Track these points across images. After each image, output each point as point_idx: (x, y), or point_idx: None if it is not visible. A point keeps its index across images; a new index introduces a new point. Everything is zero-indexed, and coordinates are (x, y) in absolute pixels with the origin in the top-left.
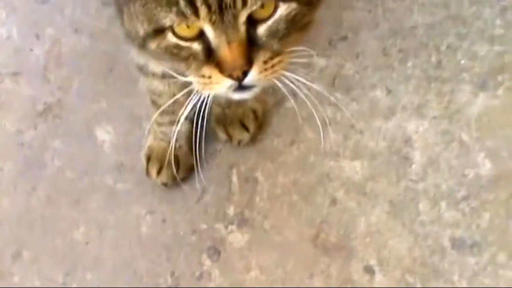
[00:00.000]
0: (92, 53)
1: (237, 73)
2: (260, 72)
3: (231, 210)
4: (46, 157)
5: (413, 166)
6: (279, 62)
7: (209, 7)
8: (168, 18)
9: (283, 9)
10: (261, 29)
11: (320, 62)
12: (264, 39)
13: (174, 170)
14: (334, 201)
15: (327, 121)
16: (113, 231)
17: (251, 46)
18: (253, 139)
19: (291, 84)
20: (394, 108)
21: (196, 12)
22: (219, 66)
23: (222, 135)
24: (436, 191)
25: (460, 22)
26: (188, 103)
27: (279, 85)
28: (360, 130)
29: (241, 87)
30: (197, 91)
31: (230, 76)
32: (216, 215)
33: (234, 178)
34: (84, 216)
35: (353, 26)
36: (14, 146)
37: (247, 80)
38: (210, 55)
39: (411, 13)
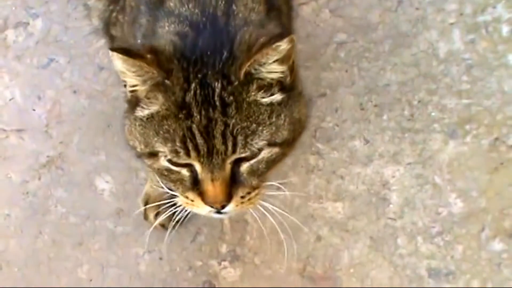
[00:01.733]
0: (91, 112)
1: (217, 205)
2: (237, 205)
3: (223, 248)
4: (50, 204)
5: (391, 206)
6: (256, 195)
7: (198, 152)
8: (162, 151)
9: (266, 152)
10: (244, 167)
11: None
12: (245, 175)
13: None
14: (319, 238)
15: (311, 168)
16: (115, 269)
17: (232, 182)
18: None
19: (266, 213)
20: (371, 156)
21: (188, 153)
22: (202, 196)
23: None
24: (412, 227)
25: (430, 79)
26: (172, 210)
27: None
28: (341, 175)
29: (220, 212)
30: (181, 204)
31: (210, 205)
32: (210, 252)
33: (226, 220)
34: (87, 256)
35: (332, 84)
36: (20, 195)
37: (225, 210)
38: (196, 183)
39: (385, 72)
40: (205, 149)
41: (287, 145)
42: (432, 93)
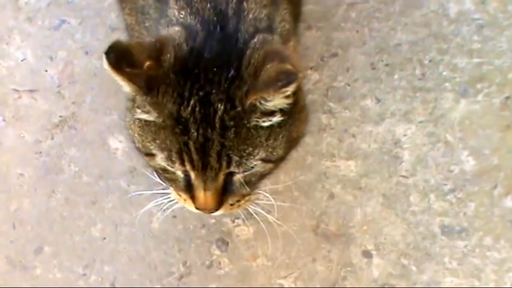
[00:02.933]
0: (103, 73)
1: (206, 211)
2: (226, 210)
3: None
4: (63, 163)
5: (403, 164)
6: (245, 201)
7: (192, 165)
8: (158, 155)
9: (259, 167)
10: (236, 179)
11: (314, 76)
12: (237, 185)
13: None
14: (332, 196)
15: (323, 127)
16: (128, 227)
17: (224, 190)
18: None
19: (254, 215)
20: (383, 114)
21: (182, 163)
22: (193, 200)
23: None
24: (425, 185)
25: (441, 39)
26: (166, 199)
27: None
28: (353, 134)
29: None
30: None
31: (200, 210)
32: None
33: None
34: (101, 215)
35: (343, 44)
36: (33, 154)
37: (214, 214)
38: (189, 186)
39: (395, 32)
40: (200, 164)
41: (280, 160)
42: (443, 52)
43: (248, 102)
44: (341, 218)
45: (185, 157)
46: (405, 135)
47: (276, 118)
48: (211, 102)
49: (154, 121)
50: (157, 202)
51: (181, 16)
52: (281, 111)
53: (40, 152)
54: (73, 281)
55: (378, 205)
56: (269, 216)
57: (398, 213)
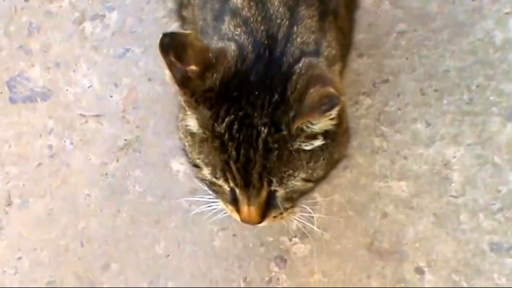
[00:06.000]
0: (165, 98)
1: (250, 224)
2: (269, 222)
3: (293, 225)
4: (128, 184)
5: (453, 184)
6: (288, 214)
7: (236, 182)
8: (204, 169)
9: (300, 185)
10: (278, 195)
11: (367, 101)
12: (279, 200)
13: None
14: (385, 215)
15: (375, 149)
16: (190, 245)
17: (266, 204)
18: None
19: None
20: (433, 137)
21: (226, 180)
22: (238, 212)
23: None
24: (474, 205)
25: (488, 65)
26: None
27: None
28: (405, 156)
29: None
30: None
31: (245, 222)
32: (280, 230)
33: None
34: (164, 233)
35: (393, 70)
36: (99, 176)
37: (258, 225)
38: (235, 199)
39: (444, 59)
40: (242, 183)
41: (321, 180)
42: (489, 78)
43: (295, 126)
44: (394, 236)
45: (228, 175)
46: (454, 157)
47: (319, 142)
48: (253, 125)
49: (198, 133)
50: (210, 206)
51: (236, 33)
52: (324, 134)
53: (106, 174)
54: None
55: (429, 223)
56: (325, 234)
57: (449, 231)
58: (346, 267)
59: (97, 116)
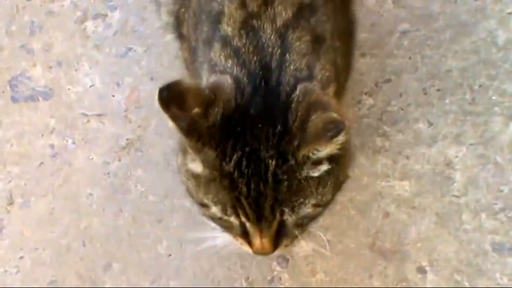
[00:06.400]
0: None
1: (263, 255)
2: (281, 250)
3: None
4: (130, 184)
5: (455, 184)
6: (298, 240)
7: (247, 217)
8: (212, 207)
9: (311, 211)
10: (289, 223)
11: (369, 100)
12: (290, 227)
13: None
14: (387, 214)
15: (378, 149)
16: (192, 245)
17: (277, 233)
18: None
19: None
20: (435, 137)
21: (238, 216)
22: (250, 244)
23: None
24: (476, 205)
25: (490, 65)
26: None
27: None
28: (407, 156)
29: None
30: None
31: (257, 254)
32: None
33: None
34: (166, 232)
35: (396, 70)
36: (101, 175)
37: (270, 255)
38: (245, 232)
39: (446, 59)
40: (255, 217)
41: (329, 203)
42: (492, 78)
43: (301, 154)
44: (396, 236)
45: (240, 211)
46: (456, 157)
47: (325, 167)
48: (260, 159)
49: (203, 174)
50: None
51: (228, 65)
52: (329, 159)
53: (108, 173)
54: None
55: (432, 223)
56: (327, 233)
57: (451, 231)
58: (348, 267)
59: (99, 115)
